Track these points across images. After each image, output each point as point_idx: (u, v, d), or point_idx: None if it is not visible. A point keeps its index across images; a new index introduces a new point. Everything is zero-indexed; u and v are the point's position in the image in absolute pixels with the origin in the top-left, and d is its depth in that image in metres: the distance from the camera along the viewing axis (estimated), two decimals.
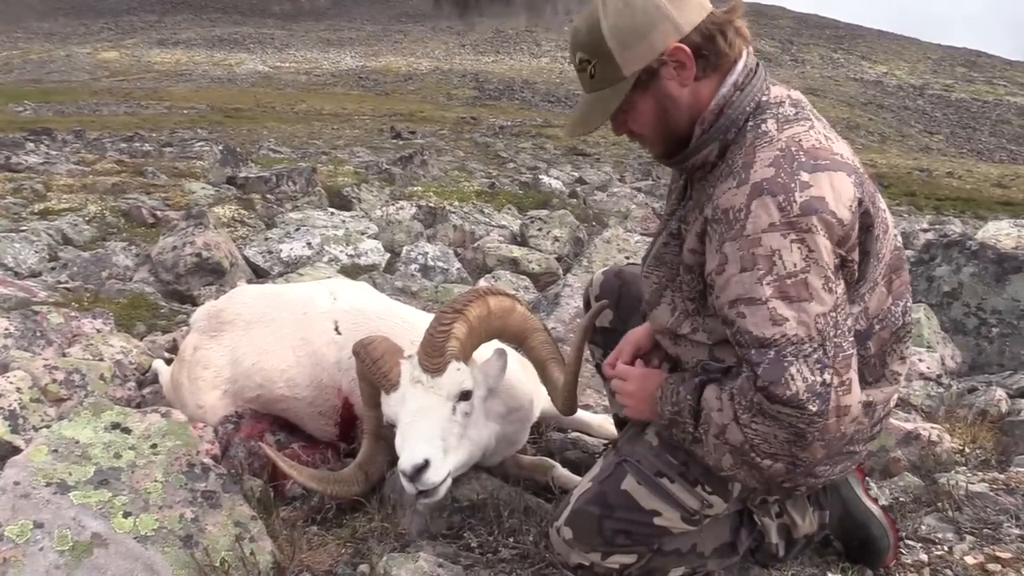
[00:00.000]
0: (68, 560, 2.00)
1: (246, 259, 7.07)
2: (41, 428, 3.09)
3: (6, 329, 3.92)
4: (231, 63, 75.51)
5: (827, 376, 1.63)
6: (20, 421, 3.10)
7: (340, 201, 11.06)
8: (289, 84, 62.85)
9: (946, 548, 2.39)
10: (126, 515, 2.14)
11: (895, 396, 2.05)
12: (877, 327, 1.88)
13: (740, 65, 1.85)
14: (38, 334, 4.04)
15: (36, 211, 9.12)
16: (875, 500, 2.33)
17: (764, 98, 1.85)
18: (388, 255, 7.88)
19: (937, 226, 15.52)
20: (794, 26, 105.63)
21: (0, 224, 8.12)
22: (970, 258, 5.33)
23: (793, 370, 1.62)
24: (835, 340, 1.64)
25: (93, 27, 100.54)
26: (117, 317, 4.75)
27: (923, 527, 2.50)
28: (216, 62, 75.99)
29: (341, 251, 7.58)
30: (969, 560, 2.31)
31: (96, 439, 2.32)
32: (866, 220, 1.74)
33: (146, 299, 5.66)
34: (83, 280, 6.37)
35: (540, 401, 2.81)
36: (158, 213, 9.22)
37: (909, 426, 3.11)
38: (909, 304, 1.99)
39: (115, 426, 2.39)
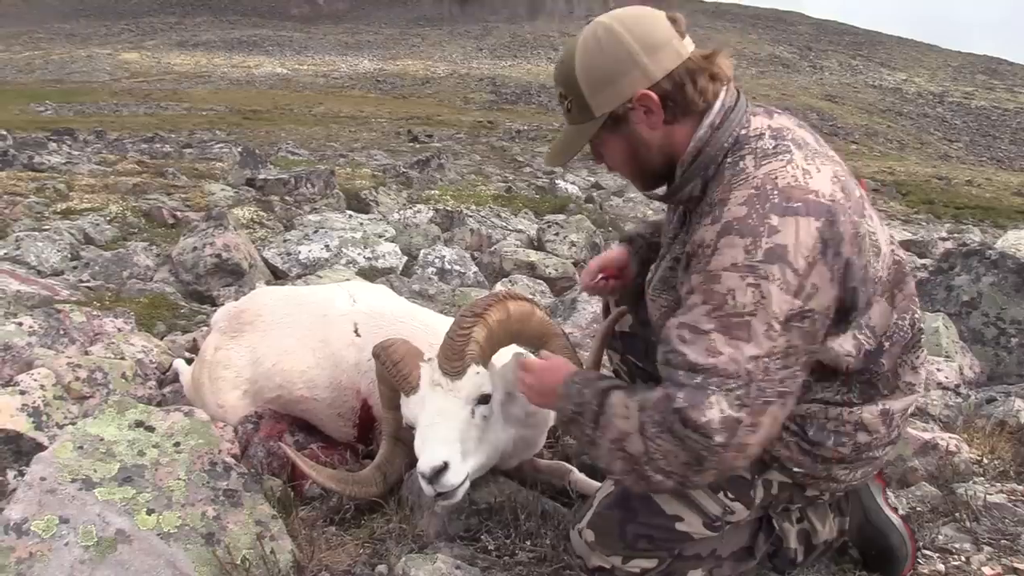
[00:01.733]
0: (92, 556, 2.03)
1: (265, 260, 7.13)
2: (64, 425, 3.14)
3: (30, 327, 3.97)
4: (250, 65, 76.01)
5: (742, 414, 1.68)
6: (44, 418, 3.15)
7: (358, 204, 11.13)
8: (307, 86, 63.21)
9: (963, 558, 2.38)
10: (149, 512, 2.17)
11: (913, 404, 2.06)
12: (887, 344, 1.90)
13: (717, 105, 1.89)
14: (61, 332, 4.10)
15: (59, 210, 9.24)
16: (895, 510, 2.32)
17: (743, 131, 1.87)
18: (405, 258, 7.92)
19: (956, 235, 15.43)
20: (813, 32, 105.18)
21: (23, 223, 8.24)
22: (989, 267, 5.30)
23: (713, 399, 1.67)
24: (760, 384, 1.68)
25: (114, 28, 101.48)
26: (138, 316, 4.81)
27: (940, 537, 2.49)
28: (235, 64, 76.52)
29: (359, 254, 7.63)
30: (986, 571, 2.30)
31: (120, 437, 2.35)
32: (836, 262, 1.74)
33: (166, 299, 5.73)
34: (104, 279, 6.45)
35: None
36: (178, 214, 9.32)
37: (927, 436, 3.10)
38: (917, 315, 2.00)
39: (139, 424, 2.42)
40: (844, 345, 1.83)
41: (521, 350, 2.63)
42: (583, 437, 1.90)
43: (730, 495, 1.97)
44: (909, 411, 2.06)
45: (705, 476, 1.74)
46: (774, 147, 1.81)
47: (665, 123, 1.90)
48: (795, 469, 1.97)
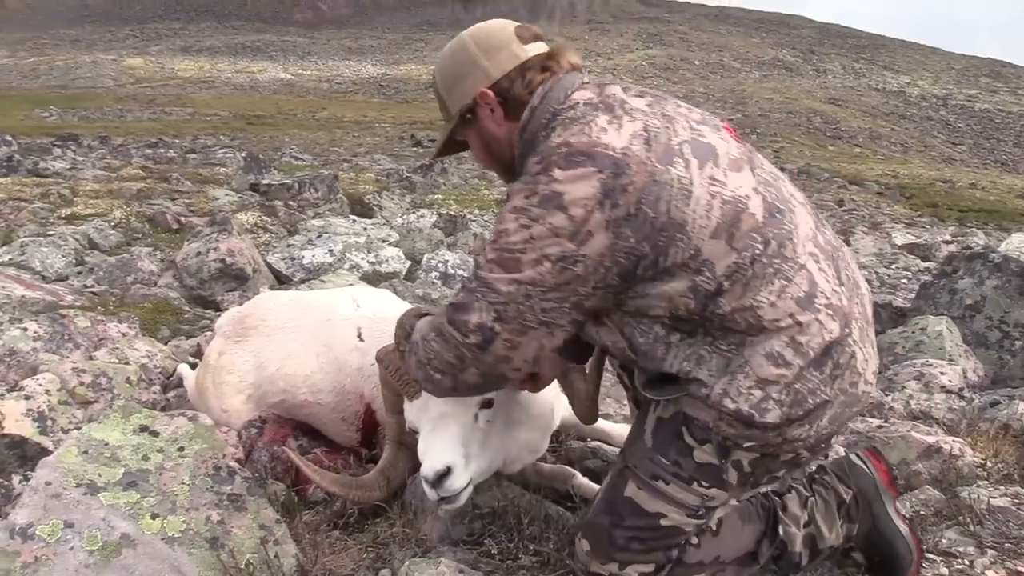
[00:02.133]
0: (97, 560, 2.04)
1: (269, 265, 7.15)
2: (69, 430, 3.15)
3: (35, 332, 3.99)
4: (253, 70, 76.20)
5: (497, 327, 1.89)
6: (48, 423, 3.16)
7: (361, 208, 11.15)
8: (311, 91, 63.34)
9: (967, 562, 2.38)
10: (154, 516, 2.18)
11: (820, 337, 1.89)
12: (727, 284, 1.87)
13: (539, 91, 2.07)
14: (66, 337, 4.11)
15: (63, 216, 9.27)
16: (904, 518, 2.31)
17: (561, 107, 2.01)
18: (409, 263, 7.93)
19: (960, 238, 15.41)
20: (816, 36, 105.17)
21: (28, 228, 8.27)
22: (993, 271, 5.30)
23: (477, 305, 1.90)
24: (520, 307, 1.87)
25: (119, 34, 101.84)
26: (142, 321, 4.82)
27: (944, 541, 2.49)
28: (239, 69, 76.72)
29: (362, 258, 7.64)
30: (990, 575, 2.30)
31: (125, 441, 2.36)
32: (616, 212, 1.81)
33: (170, 304, 5.75)
34: (109, 284, 6.47)
35: (561, 410, 2.83)
36: (182, 219, 9.35)
37: (931, 439, 3.09)
38: (759, 251, 1.88)
39: (143, 429, 2.43)
40: (676, 287, 1.88)
41: None
42: (403, 356, 2.22)
43: (704, 483, 1.99)
44: (814, 345, 1.89)
45: (468, 375, 1.97)
46: (581, 114, 1.95)
47: (508, 119, 2.13)
48: (747, 444, 1.94)
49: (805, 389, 1.89)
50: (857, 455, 2.37)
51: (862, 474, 2.30)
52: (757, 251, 1.89)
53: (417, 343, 2.05)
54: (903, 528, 2.26)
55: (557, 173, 1.84)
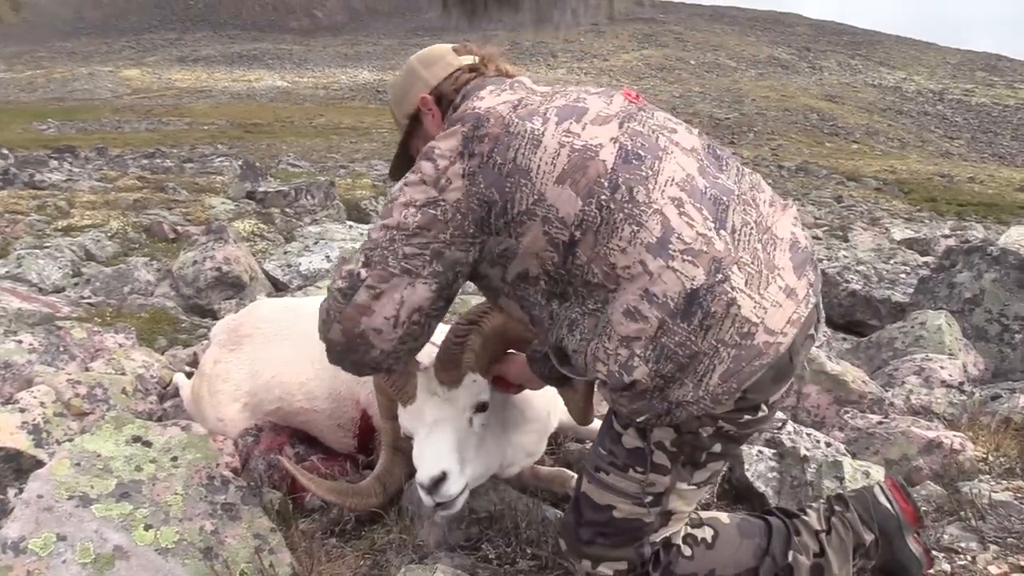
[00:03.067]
0: (91, 573, 2.02)
1: (266, 273, 7.13)
2: (64, 442, 3.13)
3: (30, 344, 3.97)
4: (250, 79, 76.27)
5: (363, 271, 1.98)
6: (43, 435, 3.15)
7: (358, 214, 11.14)
8: (307, 99, 63.38)
9: (969, 558, 2.36)
10: (147, 528, 2.16)
11: (683, 283, 1.79)
12: (578, 234, 1.85)
13: (462, 90, 2.24)
14: (61, 349, 4.10)
15: (60, 227, 9.26)
16: (919, 541, 2.22)
17: (468, 101, 2.14)
18: None
19: (958, 232, 15.40)
20: (811, 33, 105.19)
21: (25, 241, 8.26)
22: (992, 264, 5.29)
23: (355, 257, 2.03)
24: (384, 250, 1.97)
25: (115, 45, 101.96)
26: (139, 332, 4.81)
27: (946, 536, 2.47)
28: (235, 78, 76.77)
29: None
30: (993, 570, 2.28)
31: (117, 452, 2.35)
32: (471, 162, 1.94)
33: (167, 313, 5.73)
34: (105, 295, 6.45)
35: (557, 412, 2.81)
36: (179, 228, 9.34)
37: (931, 434, 3.08)
38: (604, 197, 1.85)
39: (136, 439, 2.41)
40: (534, 239, 1.90)
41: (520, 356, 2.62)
42: None
43: (638, 469, 1.97)
44: (672, 293, 1.80)
45: (333, 332, 2.02)
46: (474, 93, 2.15)
47: (445, 120, 2.23)
48: (640, 419, 1.89)
49: (672, 343, 1.79)
50: (882, 488, 2.25)
51: (887, 516, 2.18)
52: (603, 197, 1.85)
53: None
54: (918, 551, 2.18)
55: (439, 137, 2.04)
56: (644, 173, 1.88)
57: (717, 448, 1.98)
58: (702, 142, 2.06)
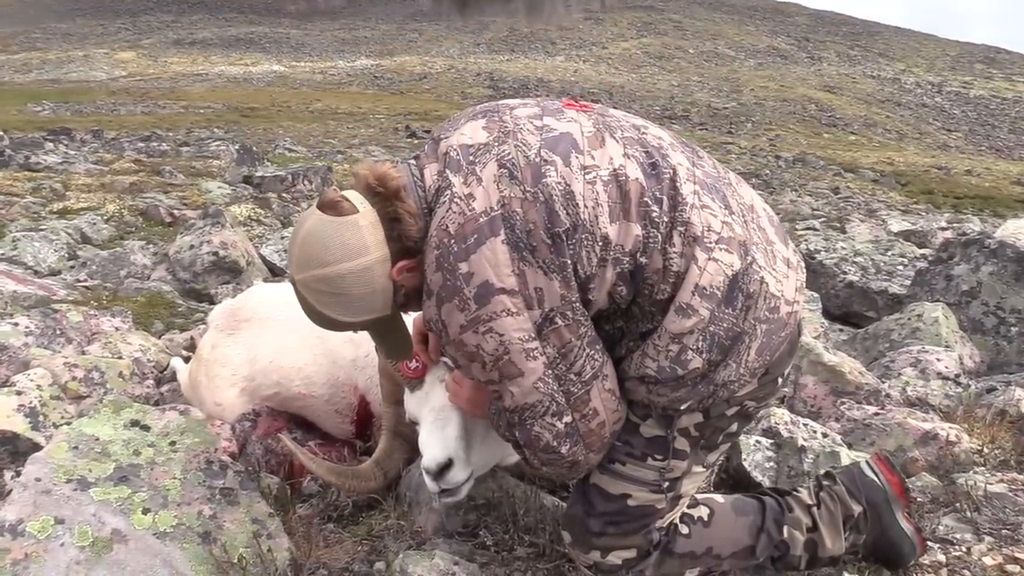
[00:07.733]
0: (88, 556, 2.02)
1: (262, 258, 7.12)
2: (61, 425, 3.12)
3: (27, 327, 3.95)
4: (247, 63, 75.87)
5: (567, 419, 1.87)
6: (40, 418, 3.13)
7: None
8: (304, 83, 63.06)
9: (964, 549, 2.37)
10: (145, 512, 2.16)
11: (725, 272, 1.84)
12: (643, 259, 1.84)
13: (402, 213, 1.87)
14: (58, 332, 4.08)
15: (55, 210, 9.21)
16: (911, 520, 2.26)
17: (423, 195, 1.91)
18: None
19: (955, 224, 15.40)
20: (810, 23, 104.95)
21: (20, 223, 8.22)
22: (989, 257, 5.29)
23: (537, 428, 1.88)
24: (561, 390, 1.84)
25: (111, 27, 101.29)
26: (135, 315, 4.79)
27: (941, 528, 2.48)
28: (232, 62, 76.38)
29: None
30: (987, 561, 2.29)
31: (116, 436, 2.34)
32: (538, 256, 1.77)
33: (164, 297, 5.71)
34: (102, 279, 6.43)
35: None
36: (175, 212, 9.30)
37: (927, 426, 3.09)
38: (655, 213, 1.85)
39: (134, 423, 2.41)
40: (602, 290, 1.84)
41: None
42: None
43: (657, 456, 1.98)
44: (717, 283, 1.84)
45: (591, 462, 1.97)
46: (436, 191, 1.88)
47: (416, 260, 2.00)
48: (684, 406, 1.92)
49: (720, 330, 1.84)
50: (868, 464, 2.30)
51: (873, 487, 2.23)
52: (654, 214, 1.84)
53: (536, 465, 2.01)
54: (909, 530, 2.22)
55: (462, 267, 1.77)
56: (668, 175, 1.89)
57: (734, 428, 2.04)
58: (669, 132, 2.08)
